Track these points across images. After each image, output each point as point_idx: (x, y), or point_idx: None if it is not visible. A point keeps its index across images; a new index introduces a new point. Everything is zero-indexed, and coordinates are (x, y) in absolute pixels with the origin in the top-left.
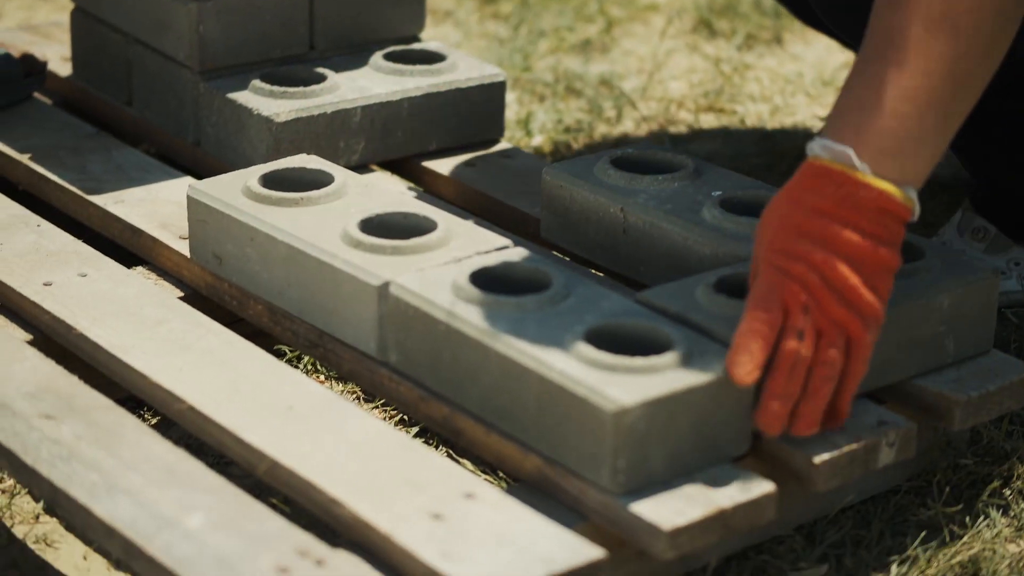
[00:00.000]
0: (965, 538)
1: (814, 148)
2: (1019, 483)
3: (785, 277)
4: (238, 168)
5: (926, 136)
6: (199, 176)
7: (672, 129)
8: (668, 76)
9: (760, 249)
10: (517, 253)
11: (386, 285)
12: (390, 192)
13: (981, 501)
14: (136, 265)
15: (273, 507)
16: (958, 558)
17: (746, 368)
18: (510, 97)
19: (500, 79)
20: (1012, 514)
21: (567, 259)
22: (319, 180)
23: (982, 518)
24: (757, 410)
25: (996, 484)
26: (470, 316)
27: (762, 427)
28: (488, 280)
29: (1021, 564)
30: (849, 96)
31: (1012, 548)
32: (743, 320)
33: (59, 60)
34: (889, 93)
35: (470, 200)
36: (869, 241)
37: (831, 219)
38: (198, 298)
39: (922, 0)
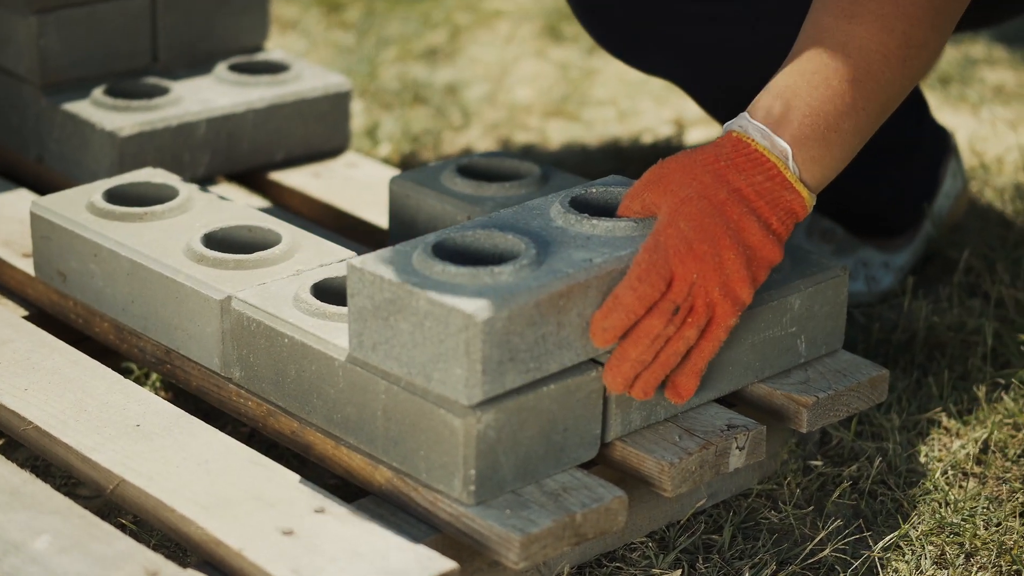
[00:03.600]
0: (816, 540)
1: (749, 129)
2: (868, 483)
3: (688, 252)
4: (82, 183)
5: (847, 155)
6: (43, 192)
7: (519, 136)
8: (515, 82)
9: (666, 200)
10: None
11: (228, 299)
12: (235, 206)
13: (832, 502)
14: None
15: (122, 527)
16: (810, 560)
17: (604, 337)
18: (357, 106)
19: (345, 88)
20: (862, 515)
21: None
22: (164, 194)
23: (832, 519)
24: (606, 366)
25: (846, 485)
26: (312, 328)
27: (608, 383)
28: (331, 293)
29: (870, 565)
30: (791, 88)
31: (862, 549)
32: (624, 282)
33: None
34: (834, 107)
35: (317, 211)
36: (772, 239)
37: (750, 210)
38: (43, 317)
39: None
